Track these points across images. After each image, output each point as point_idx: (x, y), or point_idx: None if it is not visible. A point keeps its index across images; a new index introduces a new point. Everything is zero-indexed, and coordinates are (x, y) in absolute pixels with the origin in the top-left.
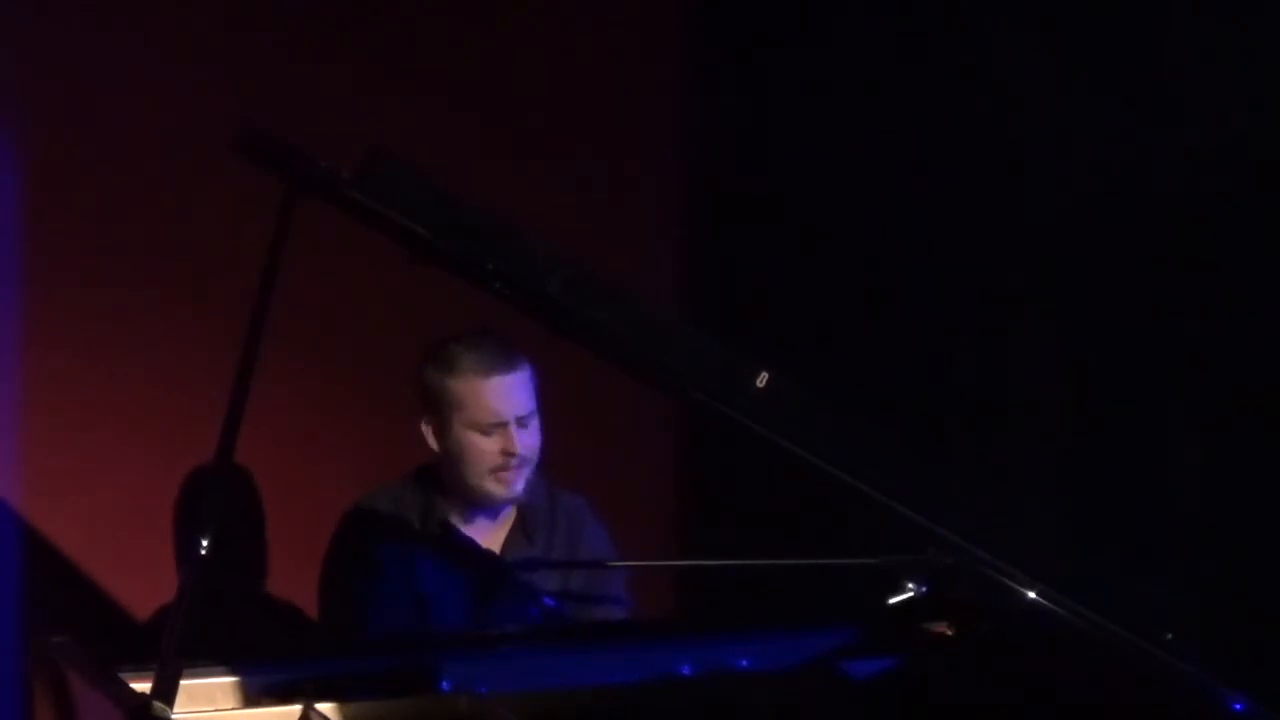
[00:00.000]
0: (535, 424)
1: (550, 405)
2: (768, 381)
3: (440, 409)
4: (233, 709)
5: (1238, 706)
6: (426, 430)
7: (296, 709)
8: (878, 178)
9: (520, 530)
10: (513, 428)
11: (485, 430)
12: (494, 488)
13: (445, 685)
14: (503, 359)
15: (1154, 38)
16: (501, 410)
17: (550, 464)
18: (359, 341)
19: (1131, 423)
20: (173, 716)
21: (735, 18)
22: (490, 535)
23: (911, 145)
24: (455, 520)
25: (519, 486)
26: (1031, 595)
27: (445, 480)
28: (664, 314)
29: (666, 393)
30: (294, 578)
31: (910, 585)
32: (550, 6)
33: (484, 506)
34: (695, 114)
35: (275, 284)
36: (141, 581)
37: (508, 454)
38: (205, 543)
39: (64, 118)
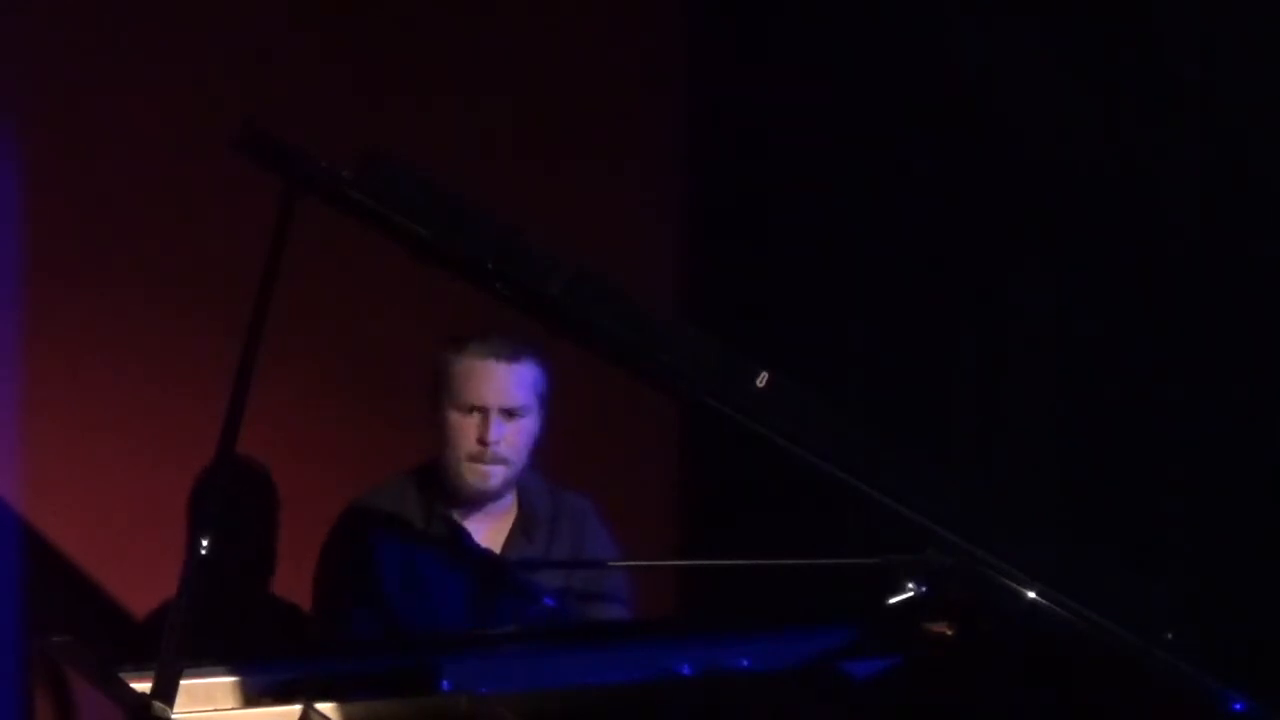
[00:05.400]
0: (525, 424)
1: (551, 405)
2: (768, 381)
3: (436, 388)
4: (233, 709)
5: (1238, 706)
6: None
7: (296, 709)
8: (878, 175)
9: (520, 529)
10: (493, 416)
11: (465, 410)
12: (467, 475)
13: (445, 685)
14: (503, 349)
15: (1154, 35)
16: (484, 394)
17: (551, 464)
18: (359, 341)
19: (1133, 422)
20: (173, 716)
21: (734, 16)
22: (491, 534)
23: (911, 142)
24: (456, 518)
25: (493, 482)
26: (1031, 595)
27: (443, 474)
28: (664, 314)
29: (666, 393)
30: (294, 577)
31: (910, 585)
32: (550, 6)
33: (471, 501)
34: (694, 113)
35: (275, 284)
36: (141, 581)
37: (482, 442)
38: (205, 542)
39: (64, 118)
